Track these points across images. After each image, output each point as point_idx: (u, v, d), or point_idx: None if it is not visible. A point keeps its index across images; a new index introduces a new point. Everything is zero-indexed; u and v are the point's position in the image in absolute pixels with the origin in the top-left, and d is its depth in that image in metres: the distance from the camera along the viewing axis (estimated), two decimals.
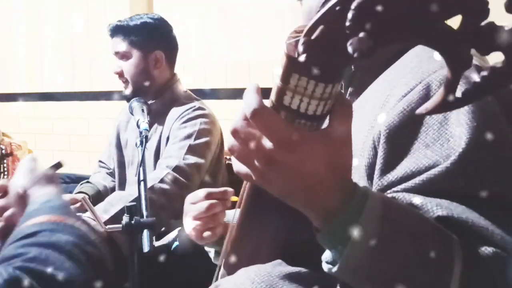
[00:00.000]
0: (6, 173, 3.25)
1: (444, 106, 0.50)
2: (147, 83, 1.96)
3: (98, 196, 2.02)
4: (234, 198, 1.00)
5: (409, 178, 0.66)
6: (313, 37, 0.51)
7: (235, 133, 0.57)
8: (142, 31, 1.96)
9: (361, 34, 0.45)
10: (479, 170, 0.64)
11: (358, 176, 0.73)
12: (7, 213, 0.85)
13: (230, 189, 1.00)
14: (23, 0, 3.51)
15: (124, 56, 1.97)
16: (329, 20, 0.50)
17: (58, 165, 1.03)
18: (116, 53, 1.99)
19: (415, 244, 0.58)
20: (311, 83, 0.54)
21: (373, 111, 0.74)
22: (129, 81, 1.97)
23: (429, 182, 0.64)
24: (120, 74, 1.98)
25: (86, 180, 2.14)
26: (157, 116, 1.94)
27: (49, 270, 0.53)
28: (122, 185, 2.08)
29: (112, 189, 2.13)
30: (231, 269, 0.78)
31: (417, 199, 0.64)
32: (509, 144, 0.66)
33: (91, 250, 0.63)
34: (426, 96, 0.68)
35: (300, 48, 0.52)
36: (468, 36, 0.46)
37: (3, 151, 3.27)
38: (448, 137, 0.65)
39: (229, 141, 0.59)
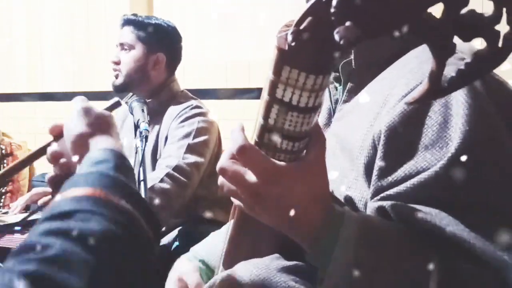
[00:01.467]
0: None
1: (431, 94, 0.51)
2: (140, 80, 1.96)
3: None
4: None
5: (407, 179, 0.66)
6: (301, 27, 0.52)
7: (222, 171, 0.63)
8: (153, 30, 1.97)
9: (348, 23, 0.46)
10: (468, 176, 0.63)
11: (356, 174, 0.74)
12: (62, 161, 0.76)
13: None
14: (23, 0, 3.51)
15: (128, 47, 1.97)
16: (317, 11, 0.51)
17: (117, 104, 0.87)
18: (120, 44, 2.00)
19: (391, 269, 0.61)
20: (302, 75, 0.56)
21: (373, 110, 0.74)
22: (122, 72, 1.96)
23: (420, 186, 0.64)
24: (117, 63, 1.99)
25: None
26: (153, 115, 1.94)
27: (64, 276, 0.45)
28: None
29: None
30: (230, 268, 0.78)
31: (403, 209, 0.64)
32: (504, 149, 0.66)
33: (132, 237, 0.54)
34: None
35: (289, 37, 0.53)
36: (450, 24, 0.47)
37: (3, 151, 3.26)
38: (447, 140, 0.65)
39: (219, 179, 0.65)
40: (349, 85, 0.83)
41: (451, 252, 0.61)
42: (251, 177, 0.61)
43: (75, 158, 0.71)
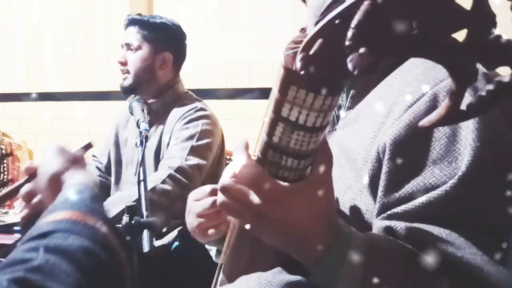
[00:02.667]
0: (6, 173, 3.25)
1: (448, 119, 0.49)
2: (148, 80, 1.96)
3: None
4: None
5: (413, 198, 0.65)
6: (311, 52, 0.50)
7: (224, 190, 0.61)
8: (159, 30, 1.97)
9: (362, 50, 0.43)
10: (479, 197, 0.62)
11: (361, 186, 0.72)
12: (34, 200, 0.77)
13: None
14: (23, 0, 3.51)
15: (134, 47, 1.96)
16: (328, 33, 0.49)
17: (89, 146, 0.91)
18: (126, 44, 1.98)
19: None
20: (310, 95, 0.53)
21: (377, 119, 0.72)
22: (130, 73, 1.96)
23: (429, 205, 0.63)
24: (124, 64, 1.98)
25: None
26: (157, 116, 1.94)
27: (51, 284, 0.47)
28: (118, 183, 2.08)
29: (98, 185, 2.12)
30: (230, 275, 0.78)
31: (413, 233, 0.63)
32: None
33: (107, 257, 0.57)
34: (433, 107, 0.65)
35: (298, 64, 0.51)
36: (474, 49, 0.44)
37: (3, 151, 3.27)
38: (456, 155, 0.63)
39: (219, 198, 0.63)
40: (352, 91, 0.80)
41: (462, 276, 0.60)
42: (253, 197, 0.59)
43: (49, 197, 0.73)
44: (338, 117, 0.83)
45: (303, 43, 0.50)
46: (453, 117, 0.48)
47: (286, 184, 0.59)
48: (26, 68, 3.53)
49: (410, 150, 0.66)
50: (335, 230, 0.61)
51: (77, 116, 3.15)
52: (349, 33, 0.43)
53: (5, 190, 0.86)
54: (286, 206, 0.58)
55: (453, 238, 0.61)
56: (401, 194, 0.65)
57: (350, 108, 0.80)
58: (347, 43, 0.43)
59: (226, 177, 0.61)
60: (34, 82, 3.51)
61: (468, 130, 0.63)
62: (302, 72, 0.51)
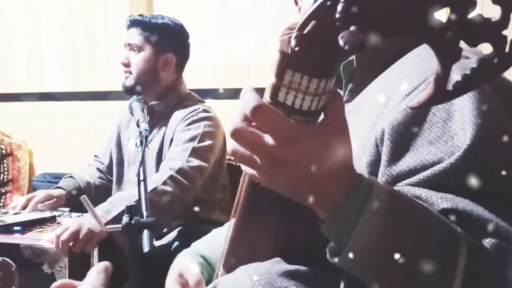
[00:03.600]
0: (6, 173, 3.25)
1: (436, 99, 0.50)
2: (150, 82, 1.96)
3: (78, 192, 2.03)
4: None
5: (413, 173, 0.66)
6: (305, 31, 0.51)
7: (236, 134, 0.57)
8: (161, 31, 1.96)
9: (352, 28, 0.45)
10: (484, 166, 0.63)
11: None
12: None
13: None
14: (23, 0, 3.51)
15: (136, 49, 1.96)
16: (320, 15, 0.50)
17: None
18: (129, 45, 1.98)
19: (420, 236, 0.58)
20: (305, 78, 0.54)
21: (375, 109, 0.74)
22: (133, 73, 1.95)
23: (434, 177, 0.64)
24: (126, 65, 1.97)
25: (69, 175, 2.13)
26: (160, 117, 1.94)
27: None
28: (120, 183, 2.08)
29: (98, 186, 2.13)
30: (230, 269, 0.78)
31: (421, 192, 0.64)
32: None
33: None
34: None
35: (293, 42, 0.52)
36: (457, 28, 0.46)
37: (3, 151, 3.26)
38: (452, 135, 0.65)
39: (230, 145, 0.59)
40: (350, 85, 0.82)
41: (473, 228, 0.60)
42: (268, 139, 0.55)
43: None
44: None
45: (298, 25, 0.52)
46: (440, 96, 0.50)
47: (301, 124, 0.56)
48: (26, 68, 3.53)
49: (407, 133, 0.67)
50: (354, 176, 0.58)
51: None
52: (339, 7, 0.45)
53: None
54: (303, 147, 0.54)
55: (459, 199, 0.62)
56: (398, 171, 0.66)
57: (347, 101, 0.82)
58: (336, 16, 0.45)
59: (237, 120, 0.57)
60: (34, 82, 3.51)
61: (464, 110, 0.65)
62: (296, 49, 0.52)
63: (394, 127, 0.68)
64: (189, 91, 2.08)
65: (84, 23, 3.31)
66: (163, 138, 1.95)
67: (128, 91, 1.96)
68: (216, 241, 1.04)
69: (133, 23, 1.99)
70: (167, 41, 1.98)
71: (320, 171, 0.55)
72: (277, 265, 0.72)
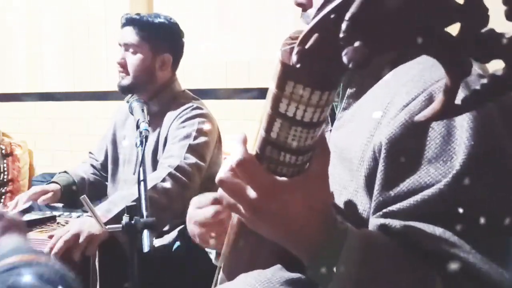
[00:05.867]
0: (6, 173, 3.25)
1: (443, 114, 0.49)
2: (147, 82, 1.95)
3: (71, 187, 2.03)
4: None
5: (412, 194, 0.65)
6: (307, 46, 0.50)
7: (221, 183, 0.62)
8: (158, 31, 1.95)
9: (356, 43, 0.43)
10: (473, 195, 0.62)
11: (356, 186, 0.72)
12: None
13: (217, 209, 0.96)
14: (23, 0, 3.51)
15: (133, 49, 1.94)
16: (323, 28, 0.49)
17: (28, 210, 0.98)
18: (125, 45, 1.96)
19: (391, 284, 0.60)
20: (307, 90, 0.54)
21: (373, 118, 0.72)
22: (130, 74, 1.94)
23: (423, 203, 0.63)
24: (123, 65, 1.96)
25: (64, 170, 2.14)
26: (154, 116, 1.94)
27: None
28: (114, 181, 2.09)
29: (92, 182, 2.14)
30: (230, 273, 0.78)
31: (408, 230, 0.63)
32: (509, 162, 0.64)
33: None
34: (428, 106, 0.64)
35: (294, 57, 0.51)
36: (468, 43, 0.44)
37: (3, 151, 3.27)
38: (451, 154, 0.63)
39: (218, 191, 0.64)
40: (348, 91, 0.80)
41: (455, 274, 0.60)
42: (250, 191, 0.59)
43: None
44: (333, 117, 0.84)
45: (300, 38, 0.51)
46: (448, 111, 0.49)
47: (282, 178, 0.59)
48: (26, 68, 3.54)
49: (405, 149, 0.66)
50: (331, 225, 0.62)
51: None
52: (343, 25, 0.43)
53: None
54: (282, 200, 0.59)
55: (447, 236, 0.61)
56: (396, 192, 0.66)
57: (345, 109, 0.81)
58: (341, 35, 0.43)
59: (224, 170, 0.62)
60: (34, 82, 3.52)
61: (462, 129, 0.64)
62: (298, 65, 0.51)
63: (391, 142, 0.66)
64: (182, 89, 2.08)
65: (84, 23, 3.31)
66: (158, 137, 1.95)
67: (125, 90, 1.96)
68: None
69: (129, 22, 1.97)
70: (164, 41, 1.97)
71: (298, 223, 0.60)
72: (278, 273, 0.72)
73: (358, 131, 0.74)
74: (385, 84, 0.75)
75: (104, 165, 2.16)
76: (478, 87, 0.46)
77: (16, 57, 3.56)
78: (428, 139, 0.65)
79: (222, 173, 0.62)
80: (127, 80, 1.96)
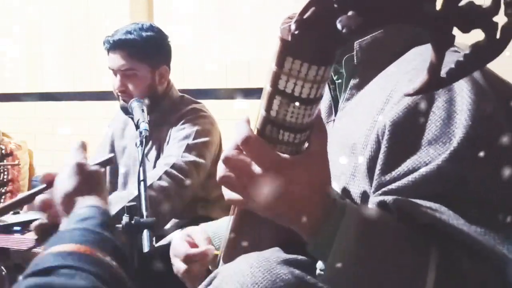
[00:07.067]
0: (6, 173, 3.25)
1: (430, 86, 0.52)
2: (149, 97, 1.91)
3: None
4: (216, 252, 0.97)
5: (408, 175, 0.67)
6: (305, 16, 0.53)
7: (227, 160, 0.64)
8: (149, 47, 1.89)
9: (350, 12, 0.46)
10: (470, 172, 0.64)
11: (353, 170, 0.75)
12: (50, 210, 0.77)
13: (210, 248, 0.98)
14: (23, 0, 3.51)
15: (129, 72, 1.89)
16: (320, 1, 0.52)
17: (109, 161, 0.90)
18: (120, 70, 1.89)
19: (390, 262, 0.62)
20: (304, 65, 0.57)
21: (377, 106, 0.74)
22: (133, 96, 1.85)
23: (421, 180, 0.65)
24: (124, 92, 1.91)
25: None
26: (155, 126, 1.93)
27: None
28: (113, 192, 2.07)
29: None
30: (230, 262, 0.79)
31: (405, 204, 0.65)
32: (506, 145, 0.66)
33: None
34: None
35: (293, 26, 0.54)
36: (449, 15, 0.48)
37: (3, 151, 3.27)
38: (450, 136, 0.66)
39: (218, 172, 0.66)
40: (351, 82, 0.83)
41: (451, 246, 0.62)
42: (255, 167, 0.62)
43: (62, 213, 0.73)
44: (336, 108, 0.86)
45: (299, 11, 0.54)
46: (434, 83, 0.52)
47: (286, 155, 0.62)
48: (26, 68, 3.54)
49: (407, 131, 0.68)
50: (331, 201, 0.64)
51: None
52: None
53: (21, 195, 0.85)
54: (286, 176, 0.61)
55: (443, 210, 0.63)
56: (396, 172, 0.68)
57: (348, 99, 0.83)
58: (335, 0, 0.47)
59: (229, 148, 0.65)
60: (34, 82, 3.51)
61: (462, 112, 0.66)
62: (296, 32, 0.54)
63: (394, 124, 0.69)
64: (181, 95, 2.06)
65: (84, 24, 3.31)
66: (160, 144, 1.94)
67: (128, 113, 1.83)
68: (222, 226, 1.05)
69: (117, 46, 1.89)
70: (158, 54, 1.94)
71: (301, 198, 0.62)
72: (276, 253, 0.74)
73: (362, 118, 0.76)
74: (388, 75, 0.78)
75: None
76: (461, 59, 0.50)
77: (16, 57, 3.56)
78: (429, 122, 0.67)
79: (227, 151, 0.64)
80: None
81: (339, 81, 0.85)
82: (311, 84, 0.58)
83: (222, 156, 0.65)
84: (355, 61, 0.81)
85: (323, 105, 0.90)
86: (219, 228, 1.05)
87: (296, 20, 0.54)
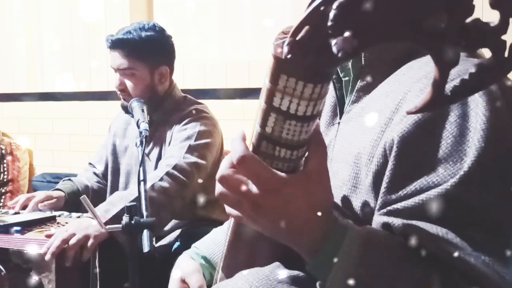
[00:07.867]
0: (6, 173, 3.25)
1: (433, 104, 0.50)
2: (149, 97, 1.91)
3: (76, 195, 2.01)
4: None
5: (415, 195, 0.64)
6: (298, 37, 0.50)
7: (222, 180, 0.62)
8: (148, 46, 1.90)
9: (346, 34, 0.43)
10: (479, 197, 0.61)
11: (355, 181, 0.72)
12: None
13: None
14: (23, 0, 3.51)
15: (128, 71, 1.90)
16: (314, 20, 0.49)
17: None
18: (118, 69, 1.91)
19: (389, 286, 0.61)
20: (299, 84, 0.54)
21: (385, 114, 0.71)
22: (133, 96, 1.89)
23: (429, 202, 0.63)
24: (123, 90, 1.92)
25: (68, 178, 2.12)
26: (158, 126, 1.93)
27: None
28: (114, 192, 2.08)
29: (96, 190, 2.12)
30: (229, 273, 0.78)
31: (411, 231, 0.63)
32: None
33: None
34: None
35: (285, 49, 0.52)
36: (454, 33, 0.45)
37: (3, 151, 3.27)
38: (462, 155, 0.63)
39: (217, 188, 0.64)
40: (358, 84, 0.79)
41: (454, 274, 0.61)
42: (251, 187, 0.59)
43: None
44: (342, 109, 0.83)
45: (291, 31, 0.51)
46: (437, 101, 0.49)
47: (283, 174, 0.59)
48: (26, 68, 3.53)
49: (417, 148, 0.65)
50: (331, 221, 0.62)
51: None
52: (331, 14, 0.44)
53: None
54: (284, 196, 0.59)
55: (450, 237, 0.61)
56: (403, 191, 0.65)
57: (355, 102, 0.79)
58: (329, 23, 0.44)
59: (224, 167, 0.62)
60: (34, 82, 3.51)
61: (475, 131, 0.63)
62: (288, 56, 0.51)
63: (403, 140, 0.65)
64: (184, 95, 2.06)
65: (84, 23, 3.30)
66: (162, 145, 1.94)
67: (128, 111, 1.90)
68: (216, 240, 1.04)
69: (116, 45, 1.90)
70: (157, 54, 1.93)
71: (299, 218, 0.60)
72: (276, 270, 0.72)
73: (368, 126, 0.73)
74: (397, 80, 0.74)
75: (105, 175, 2.15)
76: (466, 77, 0.47)
77: (16, 57, 3.56)
78: (440, 139, 0.64)
79: (223, 170, 0.62)
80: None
81: (346, 78, 0.81)
82: (307, 102, 0.55)
83: (217, 175, 0.62)
84: (362, 62, 0.77)
85: (327, 104, 0.86)
86: (215, 245, 1.04)
87: (289, 42, 0.51)
